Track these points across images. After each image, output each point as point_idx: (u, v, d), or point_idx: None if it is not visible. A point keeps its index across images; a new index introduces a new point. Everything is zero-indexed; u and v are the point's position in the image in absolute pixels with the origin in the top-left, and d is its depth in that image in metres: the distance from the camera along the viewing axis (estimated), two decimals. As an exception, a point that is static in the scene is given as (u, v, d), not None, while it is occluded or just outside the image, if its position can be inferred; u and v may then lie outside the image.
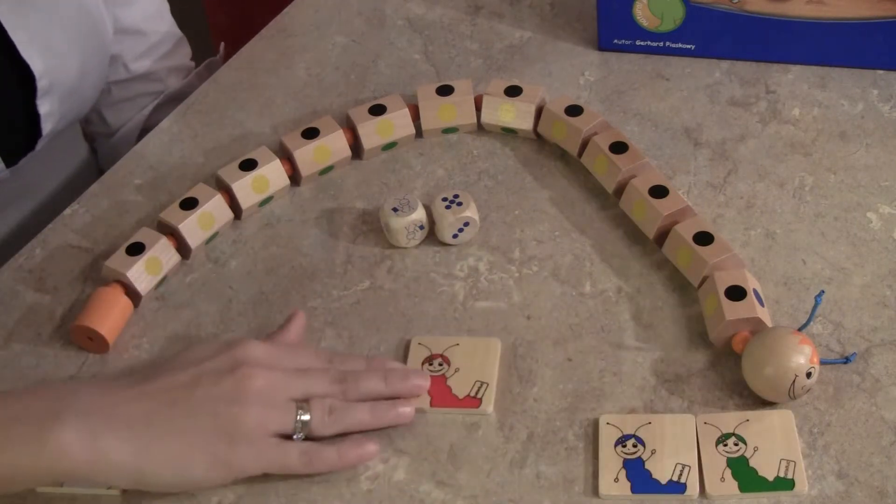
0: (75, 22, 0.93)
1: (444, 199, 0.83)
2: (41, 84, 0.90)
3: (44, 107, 0.92)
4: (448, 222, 0.82)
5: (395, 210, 0.82)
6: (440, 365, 0.75)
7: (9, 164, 0.92)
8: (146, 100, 1.08)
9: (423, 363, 0.75)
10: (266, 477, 0.70)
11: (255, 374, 0.69)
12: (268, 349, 0.71)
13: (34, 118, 0.92)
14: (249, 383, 0.68)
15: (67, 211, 0.90)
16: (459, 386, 0.74)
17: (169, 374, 0.69)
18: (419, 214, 0.82)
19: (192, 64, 1.12)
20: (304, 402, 0.70)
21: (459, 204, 0.83)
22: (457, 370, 0.75)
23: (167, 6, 1.08)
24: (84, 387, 0.68)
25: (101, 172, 0.96)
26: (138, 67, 1.06)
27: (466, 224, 0.82)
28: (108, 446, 0.65)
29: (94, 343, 0.78)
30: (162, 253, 0.82)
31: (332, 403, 0.70)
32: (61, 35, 0.92)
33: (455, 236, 0.83)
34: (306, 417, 0.69)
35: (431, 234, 0.84)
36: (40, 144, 0.94)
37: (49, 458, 0.64)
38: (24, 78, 0.90)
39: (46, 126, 0.93)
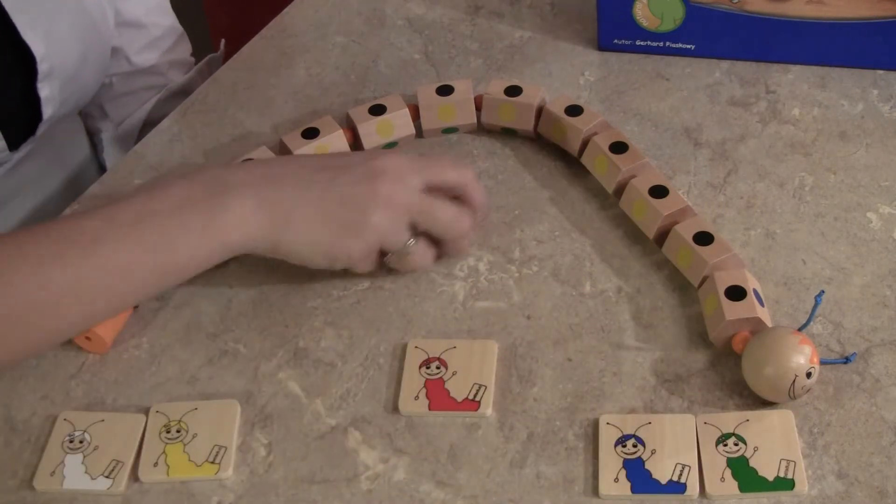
0: (75, 9, 0.94)
1: None
2: (42, 67, 0.90)
3: (44, 90, 0.92)
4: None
5: None
6: (437, 368, 0.75)
7: (11, 148, 0.92)
8: (148, 94, 1.08)
9: (420, 366, 0.75)
10: (266, 477, 0.70)
11: (387, 184, 0.76)
12: (405, 162, 0.78)
13: (35, 102, 0.92)
14: (380, 189, 0.76)
15: (67, 211, 0.90)
16: (457, 389, 0.74)
17: (313, 167, 0.78)
18: None
19: (193, 59, 1.12)
20: (416, 233, 0.78)
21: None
22: (454, 373, 0.75)
23: (167, 1, 1.08)
24: (236, 170, 0.77)
25: (101, 168, 0.96)
26: (140, 61, 1.06)
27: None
28: (258, 222, 0.75)
29: (93, 343, 0.78)
30: (162, 253, 0.82)
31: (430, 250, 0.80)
32: (62, 20, 0.92)
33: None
34: (412, 243, 0.78)
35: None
36: (41, 129, 0.94)
37: (218, 234, 0.74)
38: (24, 61, 0.90)
39: (47, 110, 0.93)
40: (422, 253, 0.80)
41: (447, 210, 0.79)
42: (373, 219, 0.76)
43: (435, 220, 0.78)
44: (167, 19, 1.08)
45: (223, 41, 1.12)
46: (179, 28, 1.10)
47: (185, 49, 1.12)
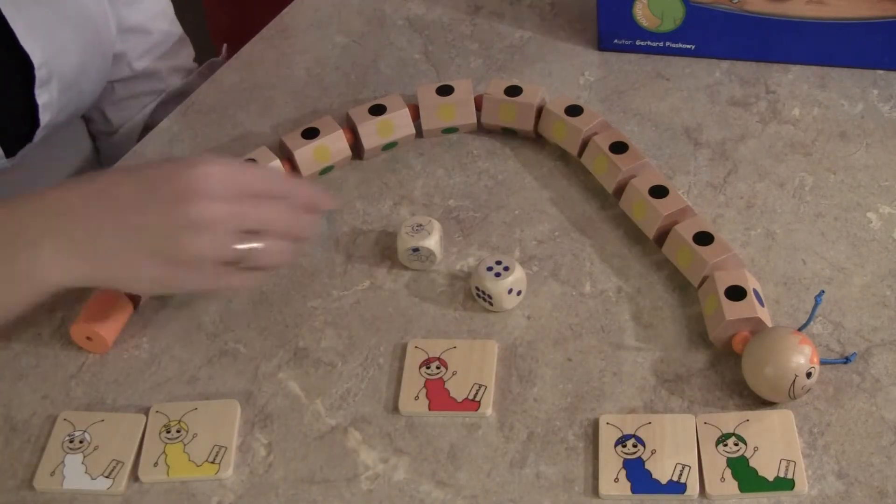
0: (75, 16, 0.94)
1: (489, 269, 0.78)
2: (40, 74, 0.91)
3: (42, 97, 0.92)
4: (503, 293, 0.78)
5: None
6: (438, 368, 0.75)
7: (8, 155, 0.92)
8: (148, 98, 1.08)
9: (420, 366, 0.75)
10: (266, 477, 0.70)
11: (196, 205, 0.71)
12: (214, 172, 0.72)
13: (32, 108, 0.92)
14: (191, 213, 0.71)
15: (67, 211, 0.90)
16: (457, 389, 0.74)
17: (120, 195, 0.73)
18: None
19: (195, 65, 1.12)
20: (253, 238, 0.74)
21: (507, 269, 0.78)
22: (454, 373, 0.75)
23: (171, 6, 1.08)
24: (36, 208, 0.73)
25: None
26: (142, 66, 1.06)
27: (519, 292, 0.79)
28: (75, 267, 0.72)
29: (94, 343, 0.78)
30: (162, 253, 0.82)
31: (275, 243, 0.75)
32: (61, 27, 0.92)
33: (518, 294, 0.79)
34: (259, 247, 0.73)
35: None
36: (38, 135, 0.94)
37: (24, 281, 0.72)
38: (23, 67, 0.90)
39: (45, 117, 0.93)
40: (274, 251, 0.75)
41: (270, 209, 0.74)
42: (193, 249, 0.71)
43: (264, 222, 0.74)
44: (170, 25, 1.08)
45: (225, 46, 1.12)
46: (181, 33, 1.10)
47: (188, 54, 1.11)
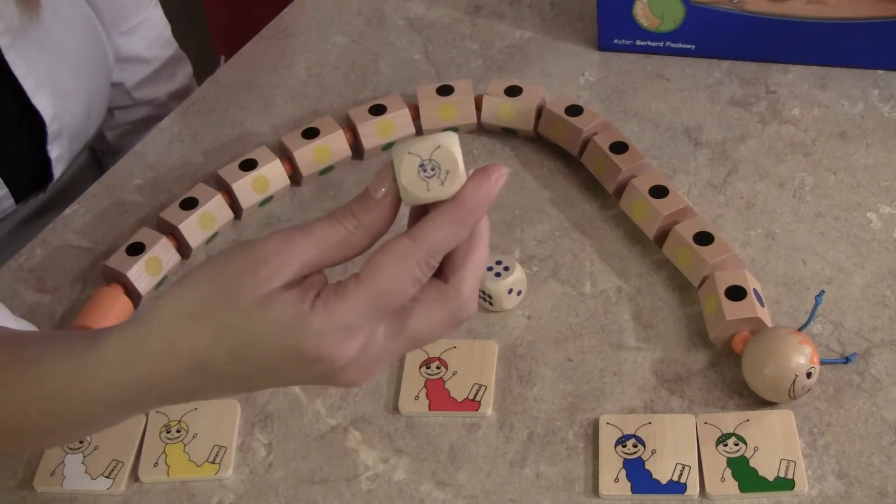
0: (81, 57, 0.94)
1: (489, 269, 0.77)
2: (51, 129, 0.91)
3: (54, 151, 0.93)
4: (503, 293, 0.78)
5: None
6: (438, 368, 0.75)
7: (18, 202, 0.93)
8: (149, 123, 1.08)
9: (420, 366, 0.75)
10: (266, 477, 0.70)
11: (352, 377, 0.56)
12: (356, 358, 0.55)
13: (45, 162, 0.93)
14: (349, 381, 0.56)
15: (67, 211, 0.90)
16: (457, 389, 0.74)
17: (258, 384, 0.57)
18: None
19: (194, 83, 1.12)
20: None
21: (507, 269, 0.78)
22: (454, 373, 0.75)
23: (168, 28, 1.08)
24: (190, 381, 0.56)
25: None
26: (140, 94, 1.07)
27: (519, 292, 0.79)
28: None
29: (94, 343, 0.78)
30: (162, 253, 0.82)
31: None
32: (68, 75, 0.92)
33: (518, 294, 0.80)
34: None
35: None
36: (51, 187, 0.95)
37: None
38: (33, 123, 0.90)
39: (57, 170, 0.94)
40: None
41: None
42: (356, 384, 0.56)
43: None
44: (166, 49, 1.08)
45: (223, 57, 1.12)
46: (177, 50, 1.10)
47: (185, 75, 1.11)
